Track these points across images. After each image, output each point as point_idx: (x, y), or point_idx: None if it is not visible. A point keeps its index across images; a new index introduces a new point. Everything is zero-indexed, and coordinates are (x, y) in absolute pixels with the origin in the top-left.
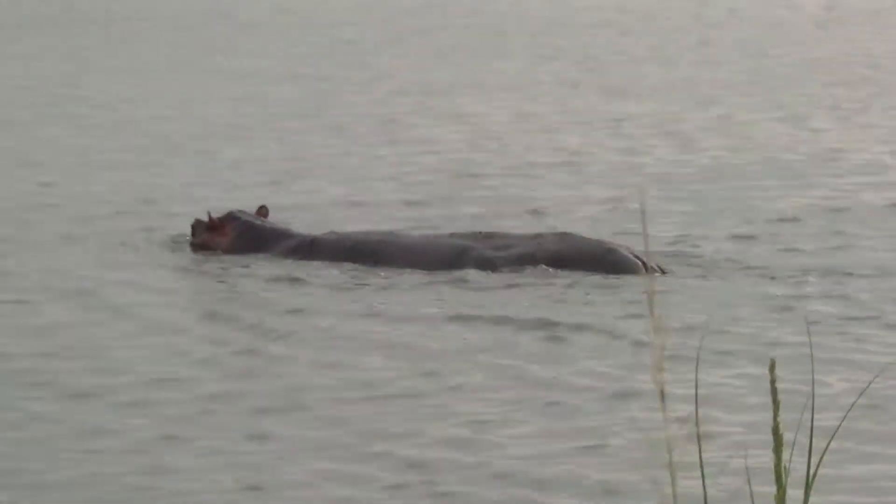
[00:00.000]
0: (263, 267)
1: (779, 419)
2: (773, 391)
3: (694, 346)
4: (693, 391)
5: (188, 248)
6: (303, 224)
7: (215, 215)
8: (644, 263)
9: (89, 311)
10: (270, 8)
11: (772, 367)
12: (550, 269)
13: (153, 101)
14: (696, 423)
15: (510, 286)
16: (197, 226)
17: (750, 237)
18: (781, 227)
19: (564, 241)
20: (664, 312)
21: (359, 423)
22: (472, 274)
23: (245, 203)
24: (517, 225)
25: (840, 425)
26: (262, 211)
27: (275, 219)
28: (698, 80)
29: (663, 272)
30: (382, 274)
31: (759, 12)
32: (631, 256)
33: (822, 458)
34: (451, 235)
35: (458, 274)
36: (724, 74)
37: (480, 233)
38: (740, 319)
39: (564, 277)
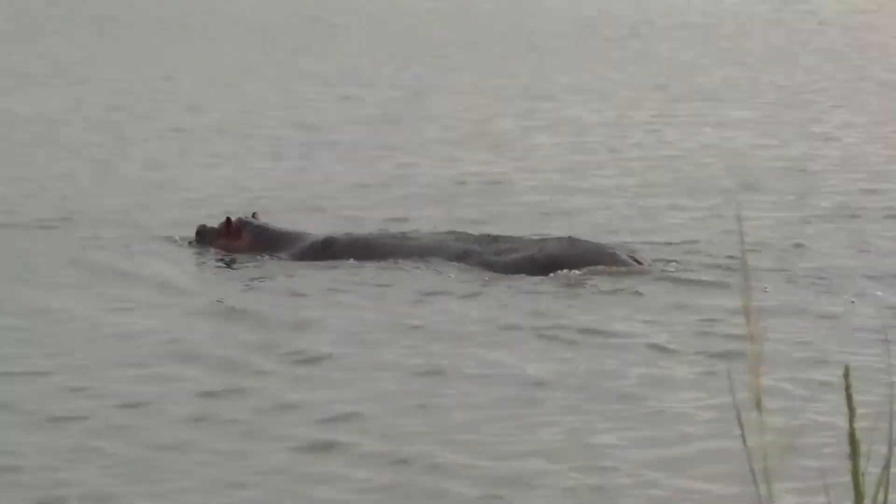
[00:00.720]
0: (284, 273)
1: (855, 425)
2: (849, 398)
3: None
4: (775, 400)
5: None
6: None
7: (215, 222)
8: (640, 264)
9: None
10: (351, 11)
11: (846, 374)
12: (561, 273)
13: (250, 102)
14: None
15: (530, 293)
16: (203, 231)
17: (833, 240)
18: (864, 230)
19: (566, 245)
20: (739, 319)
21: (431, 441)
22: (485, 284)
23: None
24: (614, 228)
25: None
26: (256, 216)
27: (270, 221)
28: (781, 83)
29: (639, 263)
30: (398, 283)
31: (843, 16)
32: (630, 259)
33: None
34: (459, 238)
35: (467, 281)
36: (809, 78)
37: (488, 235)
38: (815, 326)
39: (583, 281)
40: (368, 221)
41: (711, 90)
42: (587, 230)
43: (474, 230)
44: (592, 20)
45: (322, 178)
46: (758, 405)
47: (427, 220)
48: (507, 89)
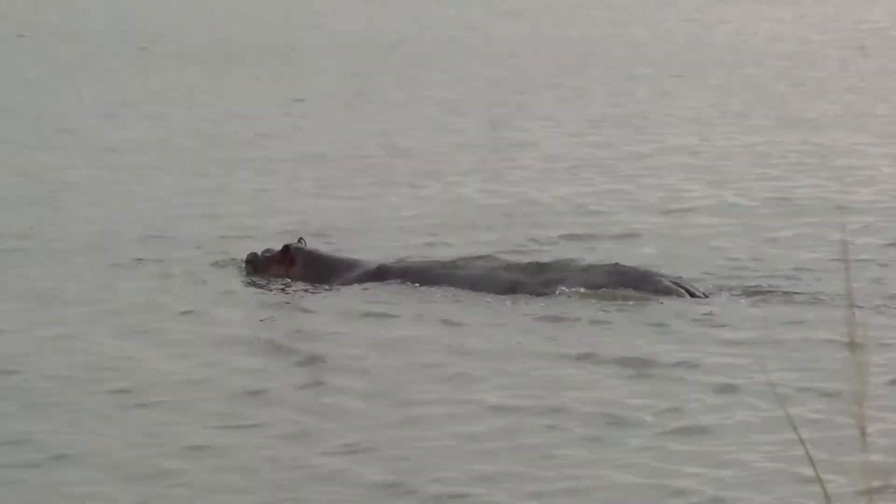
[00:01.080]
0: (341, 299)
1: None
2: None
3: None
4: (870, 436)
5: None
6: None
7: (261, 249)
8: (691, 293)
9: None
10: (442, 39)
11: None
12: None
13: (356, 129)
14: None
15: (592, 324)
16: (254, 258)
17: None
18: None
19: (611, 274)
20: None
21: (515, 481)
22: (544, 314)
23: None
24: (706, 252)
25: None
26: (302, 241)
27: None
28: (876, 110)
29: (692, 295)
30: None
31: None
32: (675, 287)
33: None
34: (508, 267)
35: (526, 312)
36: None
37: (536, 263)
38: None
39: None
40: (460, 247)
41: (808, 116)
42: (679, 253)
43: (563, 253)
44: (679, 48)
45: (418, 210)
46: (863, 439)
47: (512, 242)
48: (603, 114)
